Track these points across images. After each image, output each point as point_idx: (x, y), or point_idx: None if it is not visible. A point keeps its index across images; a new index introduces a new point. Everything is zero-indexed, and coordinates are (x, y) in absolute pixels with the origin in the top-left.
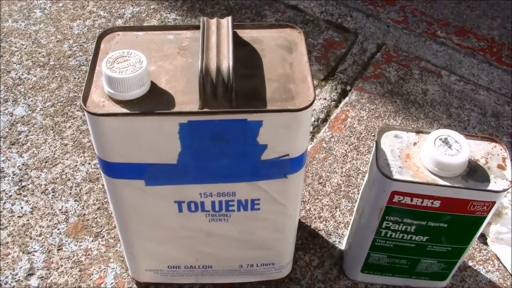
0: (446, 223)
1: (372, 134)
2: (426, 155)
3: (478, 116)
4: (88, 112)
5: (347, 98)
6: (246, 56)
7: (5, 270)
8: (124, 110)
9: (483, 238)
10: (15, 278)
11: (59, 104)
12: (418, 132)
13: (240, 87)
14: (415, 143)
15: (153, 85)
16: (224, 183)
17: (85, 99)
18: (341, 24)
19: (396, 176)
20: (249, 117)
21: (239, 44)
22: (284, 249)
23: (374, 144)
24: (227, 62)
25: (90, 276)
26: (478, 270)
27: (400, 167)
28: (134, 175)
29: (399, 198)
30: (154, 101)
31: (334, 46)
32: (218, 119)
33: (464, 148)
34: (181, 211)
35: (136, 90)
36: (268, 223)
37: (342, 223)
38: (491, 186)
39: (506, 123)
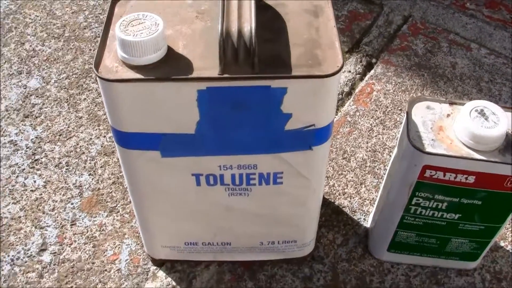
0: (480, 200)
1: (399, 108)
2: (461, 127)
3: (510, 91)
4: (101, 78)
5: (372, 71)
6: (269, 20)
7: (17, 245)
8: (139, 76)
9: None
10: (27, 253)
11: (74, 76)
12: (451, 103)
13: (263, 52)
14: (448, 115)
15: (169, 50)
16: (245, 155)
17: (97, 64)
18: None
19: (428, 149)
20: (272, 83)
21: (262, 8)
22: (307, 225)
23: (405, 116)
24: (249, 24)
25: (104, 252)
26: (511, 251)
27: (432, 139)
28: (149, 145)
29: (431, 172)
30: (171, 66)
31: (359, 18)
32: (239, 86)
33: (501, 120)
34: (199, 185)
35: (152, 55)
36: (290, 197)
37: (368, 200)
38: None
39: None
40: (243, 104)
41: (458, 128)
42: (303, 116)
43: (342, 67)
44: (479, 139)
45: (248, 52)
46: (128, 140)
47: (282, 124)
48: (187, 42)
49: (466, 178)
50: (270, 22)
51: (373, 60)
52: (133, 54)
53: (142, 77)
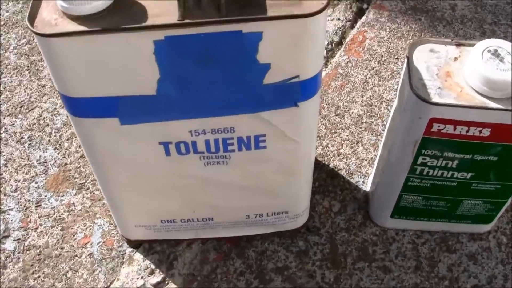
0: (496, 156)
1: (395, 57)
2: (472, 71)
3: None
4: (37, 34)
5: (364, 18)
6: None
7: None
8: (82, 28)
9: None
10: None
11: (35, 41)
12: (459, 44)
13: None
14: (456, 58)
15: None
16: (220, 117)
17: (32, 17)
18: None
19: (435, 99)
20: (244, 27)
21: None
22: (299, 194)
23: (405, 61)
24: None
25: (73, 236)
26: None
27: (439, 88)
28: (106, 112)
29: (438, 126)
30: (121, 14)
31: None
32: (204, 32)
33: None
34: (168, 155)
35: (97, 1)
36: (277, 164)
37: (366, 160)
38: None
39: None
40: (211, 55)
41: (468, 72)
42: (284, 67)
43: (328, 4)
44: (494, 84)
45: None
46: (80, 107)
47: (260, 77)
48: None
49: (480, 131)
50: None
51: (364, 6)
52: (74, 2)
53: (86, 29)
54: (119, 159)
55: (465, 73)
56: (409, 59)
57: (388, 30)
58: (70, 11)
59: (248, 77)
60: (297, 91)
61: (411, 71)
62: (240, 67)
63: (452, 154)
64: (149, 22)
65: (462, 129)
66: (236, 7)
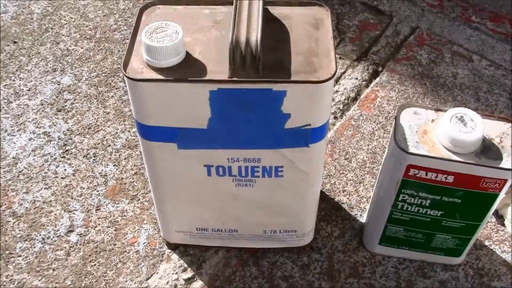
0: (459, 199)
1: None
2: (442, 131)
3: (506, 101)
4: (128, 78)
5: (377, 79)
6: (275, 31)
7: (48, 226)
8: (160, 77)
9: (501, 220)
10: (57, 233)
11: (103, 75)
12: (437, 110)
13: (267, 59)
14: (433, 120)
15: (187, 55)
16: (250, 149)
17: (125, 65)
18: (376, 7)
19: (412, 150)
20: (274, 87)
21: (269, 20)
22: (306, 217)
23: (394, 120)
24: (255, 35)
25: (124, 236)
26: (494, 250)
27: (416, 142)
28: (168, 138)
29: (414, 171)
30: (188, 69)
31: (369, 28)
32: (246, 88)
33: (478, 126)
34: (209, 175)
35: (172, 59)
36: (291, 190)
37: (365, 198)
38: (503, 164)
39: None
40: (249, 104)
41: (440, 132)
42: (300, 117)
43: (335, 74)
44: (457, 142)
45: (254, 58)
46: (150, 133)
47: (282, 123)
48: (203, 48)
49: (446, 178)
50: (275, 33)
51: (379, 68)
52: (156, 57)
53: (163, 77)
54: (172, 174)
55: (438, 132)
56: (397, 118)
57: (397, 91)
58: (153, 63)
59: (274, 122)
60: (308, 136)
61: (397, 127)
62: (269, 115)
63: (425, 194)
64: (208, 77)
65: (432, 174)
66: (269, 71)
